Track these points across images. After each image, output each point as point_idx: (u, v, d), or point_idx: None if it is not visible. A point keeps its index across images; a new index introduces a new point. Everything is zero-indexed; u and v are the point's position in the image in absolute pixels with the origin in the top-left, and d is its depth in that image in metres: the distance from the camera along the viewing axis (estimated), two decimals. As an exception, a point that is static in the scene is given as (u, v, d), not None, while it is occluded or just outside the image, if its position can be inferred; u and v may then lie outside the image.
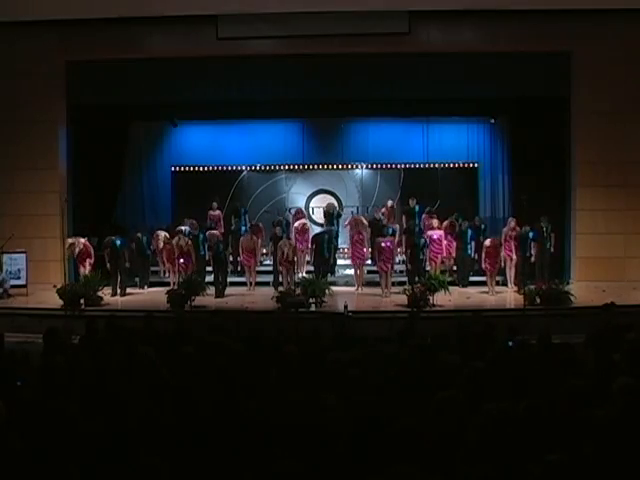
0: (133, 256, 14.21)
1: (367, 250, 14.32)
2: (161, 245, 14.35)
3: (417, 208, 15.35)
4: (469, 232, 14.32)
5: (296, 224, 15.19)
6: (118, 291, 13.69)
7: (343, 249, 15.84)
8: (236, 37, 14.13)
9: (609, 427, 3.49)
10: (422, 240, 13.64)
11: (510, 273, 13.89)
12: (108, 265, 13.67)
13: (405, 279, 13.60)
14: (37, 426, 3.80)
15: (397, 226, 15.24)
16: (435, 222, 14.52)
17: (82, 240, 13.63)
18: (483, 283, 13.88)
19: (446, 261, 14.60)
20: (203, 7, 13.61)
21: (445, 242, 14.34)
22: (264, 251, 15.30)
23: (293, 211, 16.43)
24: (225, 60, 14.52)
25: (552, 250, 13.80)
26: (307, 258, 14.95)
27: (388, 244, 13.47)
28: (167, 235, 14.54)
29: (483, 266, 13.61)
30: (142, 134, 16.72)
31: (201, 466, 3.59)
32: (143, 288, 14.36)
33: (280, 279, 13.93)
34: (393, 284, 13.68)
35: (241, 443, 3.68)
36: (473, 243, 14.24)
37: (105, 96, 14.58)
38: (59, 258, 13.98)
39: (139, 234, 14.43)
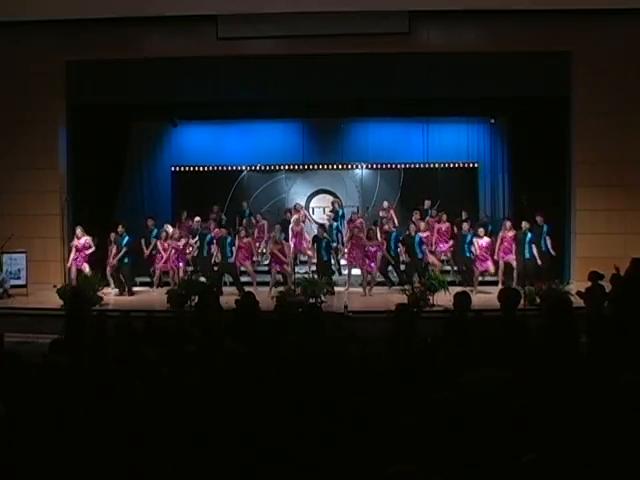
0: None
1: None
2: (166, 245, 14.14)
3: (429, 212, 15.36)
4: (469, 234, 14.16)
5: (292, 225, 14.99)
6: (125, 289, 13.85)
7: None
8: (236, 37, 14.13)
9: (609, 427, 3.48)
10: (417, 237, 13.58)
11: (502, 277, 13.70)
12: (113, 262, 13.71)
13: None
14: (37, 426, 3.79)
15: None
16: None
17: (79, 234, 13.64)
18: (487, 283, 13.82)
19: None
20: (203, 7, 13.59)
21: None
22: (264, 251, 15.25)
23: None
24: (225, 60, 14.52)
25: (552, 252, 13.56)
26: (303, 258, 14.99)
27: (373, 249, 13.52)
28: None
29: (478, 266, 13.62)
30: (142, 134, 16.70)
31: (201, 466, 3.60)
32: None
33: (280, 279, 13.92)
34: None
35: (241, 443, 3.68)
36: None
37: (105, 96, 14.57)
38: (59, 258, 14.00)
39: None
